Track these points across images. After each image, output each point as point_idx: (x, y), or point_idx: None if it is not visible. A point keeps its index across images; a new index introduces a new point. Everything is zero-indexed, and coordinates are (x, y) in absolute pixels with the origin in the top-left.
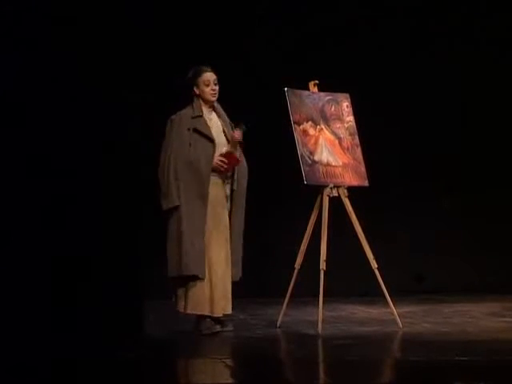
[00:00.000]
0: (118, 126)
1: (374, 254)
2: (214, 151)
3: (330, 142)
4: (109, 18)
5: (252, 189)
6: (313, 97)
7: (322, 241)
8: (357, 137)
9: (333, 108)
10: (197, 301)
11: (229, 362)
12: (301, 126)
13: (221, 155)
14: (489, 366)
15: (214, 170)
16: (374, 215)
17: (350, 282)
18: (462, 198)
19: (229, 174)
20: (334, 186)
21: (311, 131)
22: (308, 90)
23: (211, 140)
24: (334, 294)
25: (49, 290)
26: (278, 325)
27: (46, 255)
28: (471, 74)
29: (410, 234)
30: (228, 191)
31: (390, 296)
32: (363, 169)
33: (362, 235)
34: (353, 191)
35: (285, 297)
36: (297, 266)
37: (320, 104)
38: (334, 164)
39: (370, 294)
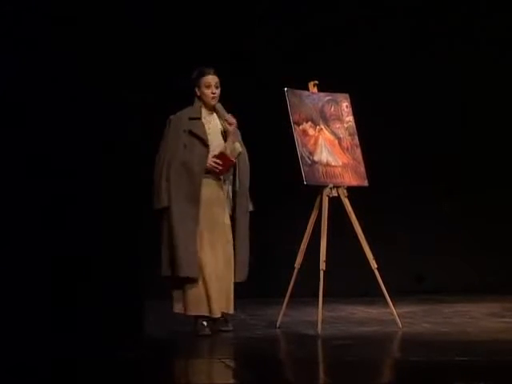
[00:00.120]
0: (118, 126)
1: (373, 254)
2: (207, 154)
3: (329, 142)
4: (109, 17)
5: (252, 189)
6: (312, 97)
7: (321, 241)
8: (356, 137)
9: (332, 108)
10: (192, 301)
11: (228, 362)
12: (300, 127)
13: (214, 156)
14: (489, 367)
15: (210, 171)
16: (373, 215)
17: (350, 282)
18: (461, 199)
19: (229, 173)
20: (334, 186)
21: (311, 131)
22: (308, 90)
23: (205, 143)
24: (333, 294)
25: (49, 290)
26: (277, 325)
27: (45, 255)
28: (471, 74)
29: (409, 234)
30: (230, 192)
31: (389, 296)
32: (363, 169)
33: (362, 235)
34: (352, 191)
35: (284, 297)
36: (296, 266)
37: (320, 104)
38: (333, 164)
39: (370, 294)
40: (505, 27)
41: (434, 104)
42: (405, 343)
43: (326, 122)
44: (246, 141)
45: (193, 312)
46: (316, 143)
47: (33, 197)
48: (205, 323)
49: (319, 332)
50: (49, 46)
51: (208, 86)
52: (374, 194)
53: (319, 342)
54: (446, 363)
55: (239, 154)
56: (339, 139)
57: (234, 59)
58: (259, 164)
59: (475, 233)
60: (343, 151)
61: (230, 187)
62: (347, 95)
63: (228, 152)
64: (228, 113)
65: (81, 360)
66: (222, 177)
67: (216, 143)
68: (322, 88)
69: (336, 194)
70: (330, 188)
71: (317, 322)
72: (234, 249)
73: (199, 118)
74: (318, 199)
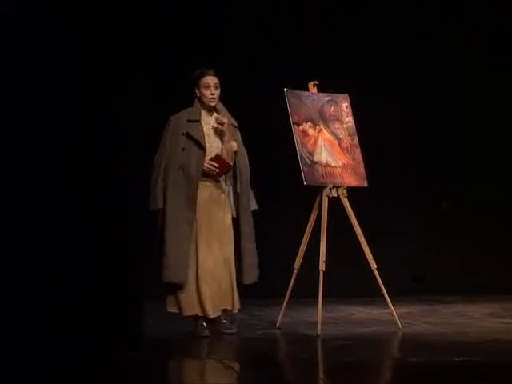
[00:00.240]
0: (118, 126)
1: (373, 255)
2: (204, 157)
3: (329, 142)
4: (109, 18)
5: (252, 189)
6: (312, 97)
7: (321, 241)
8: (356, 137)
9: (332, 108)
10: (185, 302)
11: (228, 362)
12: (300, 127)
13: (211, 159)
14: (488, 367)
15: (207, 174)
16: (373, 215)
17: (350, 283)
18: (461, 198)
19: (229, 174)
20: (334, 187)
21: (310, 132)
22: (307, 90)
23: (202, 146)
24: (333, 295)
25: (49, 290)
26: (277, 325)
27: (45, 255)
28: (471, 73)
29: (409, 234)
30: (231, 193)
31: (389, 296)
32: (362, 169)
33: (362, 236)
34: (352, 192)
35: (284, 297)
36: (296, 266)
37: (319, 104)
38: (333, 164)
39: (370, 295)
40: (505, 27)
41: (434, 104)
42: (404, 344)
43: (326, 122)
44: (246, 141)
45: (186, 312)
46: (316, 144)
47: (33, 197)
48: (204, 324)
49: (319, 332)
50: (49, 46)
51: (207, 87)
52: (373, 194)
53: (319, 343)
54: (445, 363)
55: (235, 152)
56: (339, 140)
57: (234, 59)
58: (259, 164)
59: (475, 233)
60: (343, 152)
61: (231, 188)
62: (347, 95)
63: (224, 153)
64: (230, 113)
65: (81, 360)
66: (222, 178)
67: (215, 144)
68: (321, 88)
69: (336, 195)
70: (330, 188)
71: (316, 322)
72: (240, 251)
73: (198, 120)
74: (318, 200)
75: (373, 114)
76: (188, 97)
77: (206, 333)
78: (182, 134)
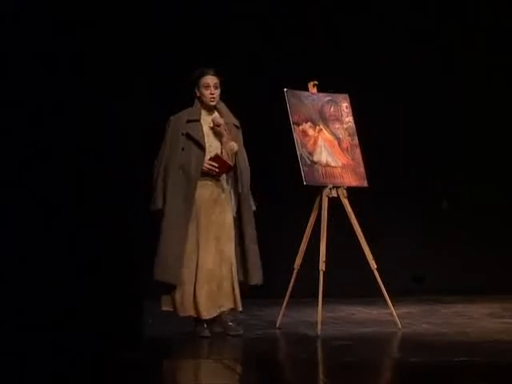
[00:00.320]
0: (118, 126)
1: (373, 255)
2: (204, 157)
3: (329, 142)
4: (109, 18)
5: (252, 189)
6: (312, 97)
7: (321, 241)
8: (356, 137)
9: (332, 109)
10: (178, 302)
11: (228, 362)
12: (300, 127)
13: (210, 159)
14: (488, 367)
15: (207, 173)
16: (373, 215)
17: (350, 283)
18: (461, 198)
19: (230, 175)
20: (334, 187)
21: (310, 132)
22: (307, 90)
23: (202, 147)
24: (333, 295)
25: (48, 290)
26: (277, 325)
27: (45, 255)
28: (471, 73)
29: (409, 234)
30: (232, 193)
31: (389, 297)
32: (362, 169)
33: (362, 236)
34: (352, 192)
35: (284, 297)
36: (296, 266)
37: (319, 104)
38: (333, 165)
39: (370, 295)
40: (505, 27)
41: (434, 104)
42: (404, 344)
43: (326, 122)
44: (246, 141)
45: (180, 312)
46: (315, 144)
47: (33, 197)
48: (205, 324)
49: (319, 332)
50: (49, 46)
51: (207, 87)
52: (373, 194)
53: (319, 343)
54: (445, 364)
55: (236, 153)
56: (339, 140)
57: (234, 59)
58: (259, 164)
59: (475, 233)
60: (343, 152)
61: (233, 189)
62: (347, 96)
63: (224, 154)
64: (231, 112)
65: (81, 360)
66: (223, 177)
67: (215, 144)
68: (321, 88)
69: (336, 195)
70: (330, 188)
71: (316, 322)
72: (245, 252)
73: (198, 120)
74: (318, 200)
75: (373, 114)
76: (188, 97)
77: (206, 333)
78: (182, 134)
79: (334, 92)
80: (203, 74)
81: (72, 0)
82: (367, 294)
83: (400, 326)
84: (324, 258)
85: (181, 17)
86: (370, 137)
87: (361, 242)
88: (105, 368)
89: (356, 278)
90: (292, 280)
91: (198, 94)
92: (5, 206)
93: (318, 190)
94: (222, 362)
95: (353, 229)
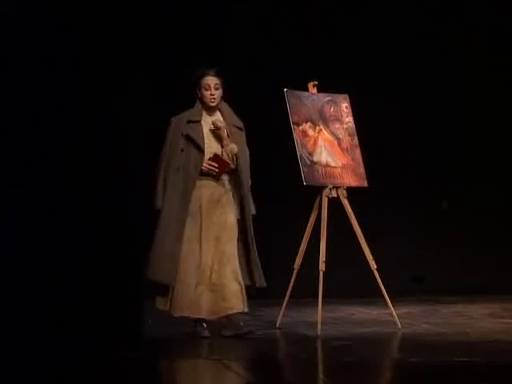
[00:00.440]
0: (118, 126)
1: (373, 255)
2: (203, 158)
3: (329, 142)
4: (109, 18)
5: (252, 189)
6: (312, 98)
7: (321, 242)
8: (356, 138)
9: (332, 109)
10: (174, 302)
11: (228, 363)
12: (300, 127)
13: (209, 159)
14: (488, 367)
15: (207, 174)
16: (373, 216)
17: (350, 283)
18: (461, 198)
19: (230, 176)
20: (334, 187)
21: (310, 132)
22: (307, 90)
23: (201, 148)
24: (333, 295)
25: (48, 290)
26: (277, 325)
27: (45, 255)
28: (471, 73)
29: (409, 234)
30: (235, 195)
31: (389, 297)
32: (362, 170)
33: (361, 236)
34: (352, 192)
35: (284, 297)
36: (296, 266)
37: (319, 105)
38: (333, 165)
39: (370, 295)
40: (505, 27)
41: (434, 104)
42: (404, 344)
43: (326, 122)
44: (246, 141)
45: (176, 312)
46: (315, 144)
47: (33, 197)
48: (204, 325)
49: (319, 333)
50: (49, 46)
51: (207, 88)
52: (373, 194)
53: (319, 343)
54: (445, 363)
55: (236, 155)
56: (338, 140)
57: (234, 59)
58: (259, 164)
59: (475, 233)
60: (343, 152)
61: (234, 190)
62: (347, 96)
63: (225, 156)
64: (234, 112)
65: (81, 360)
66: (225, 177)
67: (215, 145)
68: (321, 88)
69: (335, 195)
70: (330, 189)
71: (316, 322)
72: (250, 253)
73: (198, 121)
74: (318, 200)
75: (373, 114)
76: (188, 97)
77: (206, 333)
78: (182, 134)
79: (333, 92)
80: (204, 75)
81: (72, 0)
82: (367, 294)
83: (400, 326)
84: (324, 258)
85: (181, 17)
86: (370, 137)
87: (361, 242)
88: (105, 368)
89: (356, 278)
90: (292, 280)
91: (199, 95)
92: (5, 206)
93: (318, 190)
94: (221, 362)
95: (353, 229)
